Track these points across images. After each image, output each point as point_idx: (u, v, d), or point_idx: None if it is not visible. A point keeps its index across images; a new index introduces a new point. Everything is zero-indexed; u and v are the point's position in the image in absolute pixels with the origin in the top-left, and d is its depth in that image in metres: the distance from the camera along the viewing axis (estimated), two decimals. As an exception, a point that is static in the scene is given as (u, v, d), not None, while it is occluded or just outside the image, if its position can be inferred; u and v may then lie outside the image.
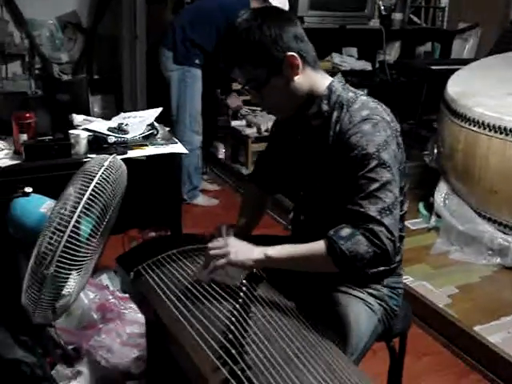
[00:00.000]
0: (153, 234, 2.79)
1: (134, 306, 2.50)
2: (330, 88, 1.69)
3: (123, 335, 2.41)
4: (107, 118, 2.81)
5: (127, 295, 2.53)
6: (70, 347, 2.30)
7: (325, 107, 1.68)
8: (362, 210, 1.52)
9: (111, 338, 2.38)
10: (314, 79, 1.68)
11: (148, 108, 3.27)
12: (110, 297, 2.52)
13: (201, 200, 4.24)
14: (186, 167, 4.06)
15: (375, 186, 1.53)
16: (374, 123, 1.58)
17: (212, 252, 1.60)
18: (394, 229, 1.52)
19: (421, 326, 2.83)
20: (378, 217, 1.50)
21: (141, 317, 2.45)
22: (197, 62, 3.99)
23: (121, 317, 2.47)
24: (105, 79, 5.15)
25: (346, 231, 1.51)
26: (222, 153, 4.93)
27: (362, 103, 1.64)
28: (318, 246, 1.54)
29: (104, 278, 2.72)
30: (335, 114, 1.66)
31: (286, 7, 3.87)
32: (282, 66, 1.62)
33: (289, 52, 1.61)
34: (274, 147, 1.96)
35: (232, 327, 1.42)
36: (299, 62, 1.62)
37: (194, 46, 3.96)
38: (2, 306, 2.04)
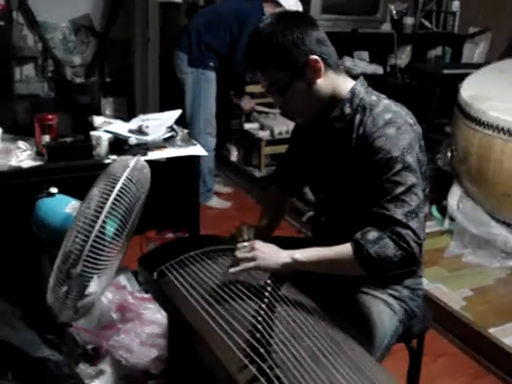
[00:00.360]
0: (171, 235, 2.81)
1: (152, 306, 2.52)
2: (352, 91, 1.70)
3: (142, 335, 2.42)
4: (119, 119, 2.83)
5: (146, 295, 2.56)
6: (90, 347, 2.32)
7: (347, 110, 1.69)
8: (388, 213, 1.54)
9: (130, 338, 2.40)
10: (336, 82, 1.70)
11: (160, 111, 3.30)
12: (129, 297, 2.54)
13: (214, 202, 4.26)
14: (202, 169, 4.08)
15: (401, 189, 1.54)
16: (397, 127, 1.60)
17: (240, 255, 1.63)
18: (419, 232, 1.53)
19: (436, 327, 2.84)
20: (405, 220, 1.52)
21: (159, 317, 2.47)
22: (211, 64, 4.02)
23: (140, 317, 2.48)
24: (117, 82, 5.18)
25: (373, 234, 1.53)
26: (234, 155, 4.95)
27: (385, 106, 1.66)
28: (346, 249, 1.56)
29: (122, 279, 2.73)
30: (358, 116, 1.68)
31: (300, 9, 3.92)
32: (305, 70, 1.64)
33: (311, 55, 1.62)
34: (295, 149, 1.98)
35: (259, 326, 1.44)
36: (321, 65, 1.64)
37: (209, 50, 3.99)
38: (27, 306, 2.06)
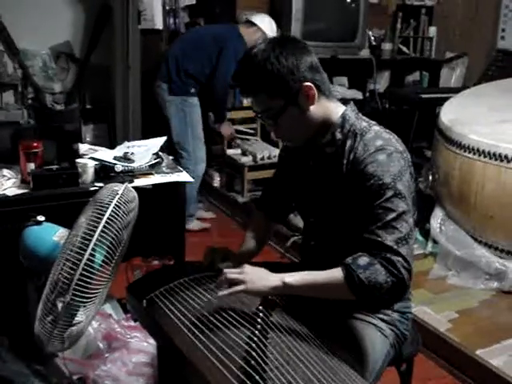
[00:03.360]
0: (156, 262, 2.79)
1: (139, 334, 2.49)
2: (343, 117, 1.71)
3: (129, 364, 2.39)
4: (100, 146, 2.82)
5: (132, 324, 2.53)
6: (76, 377, 2.28)
7: (338, 135, 1.70)
8: (379, 239, 1.55)
9: (117, 368, 2.37)
10: (328, 108, 1.71)
11: (143, 137, 3.29)
12: (116, 326, 2.51)
13: (192, 225, 4.19)
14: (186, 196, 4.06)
15: (392, 215, 1.55)
16: (388, 153, 1.61)
17: (229, 277, 1.60)
18: (409, 258, 1.55)
19: (423, 351, 2.83)
20: (395, 246, 1.53)
21: (146, 345, 2.45)
22: (192, 91, 4.04)
23: (126, 346, 2.45)
24: (97, 109, 5.17)
25: (363, 260, 1.54)
26: (217, 181, 4.95)
27: (376, 133, 1.67)
28: (337, 273, 1.56)
29: (107, 307, 2.70)
30: (349, 142, 1.69)
31: (274, 27, 4.11)
32: (298, 96, 1.65)
33: (305, 82, 1.63)
34: (283, 174, 1.98)
35: (253, 353, 1.43)
36: (315, 91, 1.65)
37: (188, 76, 4.01)
38: (14, 336, 2.03)
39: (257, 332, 1.52)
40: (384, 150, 1.61)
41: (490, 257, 3.33)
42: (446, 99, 4.18)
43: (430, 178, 3.95)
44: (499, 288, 3.27)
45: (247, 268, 1.63)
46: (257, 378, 1.35)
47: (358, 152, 1.65)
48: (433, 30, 5.86)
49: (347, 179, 1.67)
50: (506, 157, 3.19)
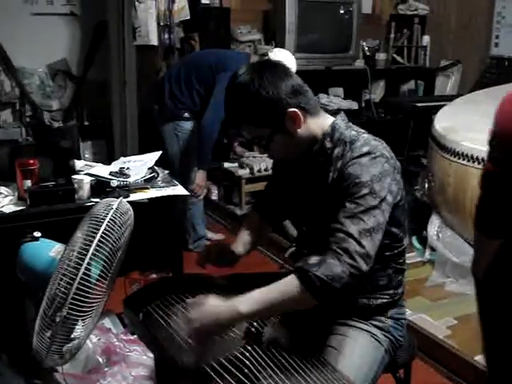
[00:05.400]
0: (154, 275, 2.81)
1: (138, 348, 2.50)
2: (333, 126, 1.73)
3: (129, 378, 2.40)
4: (99, 163, 2.83)
5: (132, 337, 2.54)
6: (76, 392, 2.29)
7: (328, 144, 1.72)
8: (343, 228, 1.55)
9: (117, 382, 2.37)
10: (316, 124, 1.72)
11: (140, 153, 3.30)
12: (115, 339, 2.52)
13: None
14: (189, 218, 4.06)
15: (360, 208, 1.56)
16: (372, 157, 1.62)
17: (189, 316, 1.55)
18: (371, 251, 1.54)
19: (422, 357, 2.85)
20: (357, 235, 1.53)
21: (146, 359, 2.46)
22: (186, 115, 3.92)
23: (126, 359, 2.46)
24: (95, 125, 5.20)
25: (314, 258, 1.53)
26: (215, 194, 4.97)
27: (364, 140, 1.68)
28: (290, 282, 1.52)
29: (107, 322, 2.71)
30: (337, 150, 1.70)
31: (293, 62, 3.60)
32: (285, 123, 1.66)
33: (289, 108, 1.64)
34: (277, 181, 2.00)
35: (246, 362, 1.45)
36: (300, 115, 1.66)
37: (180, 103, 3.92)
38: (12, 351, 2.05)
39: (251, 342, 1.54)
40: (369, 154, 1.63)
41: (487, 263, 3.34)
42: (442, 107, 4.21)
43: (426, 185, 3.97)
44: (497, 293, 3.28)
45: (194, 306, 1.56)
46: (250, 386, 1.37)
47: (345, 159, 1.66)
48: (426, 39, 5.90)
49: (333, 187, 1.68)
50: (499, 163, 3.21)
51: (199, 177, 3.93)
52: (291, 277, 1.52)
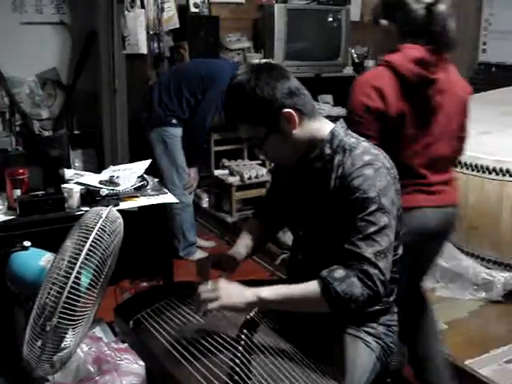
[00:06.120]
0: (145, 284, 2.81)
1: (129, 356, 2.51)
2: (332, 132, 1.74)
3: (120, 387, 2.41)
4: (89, 172, 2.84)
5: (123, 346, 2.55)
6: (67, 401, 2.29)
7: (327, 151, 1.72)
8: (358, 250, 1.57)
9: (108, 390, 2.38)
10: (313, 129, 1.73)
11: (130, 161, 3.31)
12: (106, 348, 2.52)
13: (198, 256, 4.05)
14: (179, 224, 4.05)
15: (373, 229, 1.58)
16: (375, 168, 1.63)
17: (203, 296, 1.60)
18: (387, 272, 1.57)
19: (413, 363, 2.86)
20: (374, 259, 1.55)
21: (137, 367, 2.46)
22: (174, 121, 3.97)
23: (117, 368, 2.47)
24: (85, 134, 5.18)
25: (339, 273, 1.56)
26: (205, 202, 4.97)
27: (364, 148, 1.69)
28: (313, 287, 1.58)
29: (97, 331, 2.71)
30: (337, 157, 1.70)
31: None
32: (280, 123, 1.68)
33: (284, 109, 1.66)
34: (276, 186, 2.02)
35: (237, 369, 1.46)
36: (295, 116, 1.67)
37: (169, 110, 3.97)
38: (2, 360, 2.04)
39: (241, 348, 1.54)
40: (371, 164, 1.63)
41: (476, 267, 3.37)
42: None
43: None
44: (487, 298, 3.31)
45: (221, 284, 1.62)
46: (241, 393, 1.37)
47: (346, 167, 1.67)
48: (415, 46, 5.91)
49: (334, 194, 1.69)
50: (487, 168, 3.25)
51: (193, 171, 4.09)
52: (314, 282, 1.58)
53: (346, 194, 1.64)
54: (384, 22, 2.17)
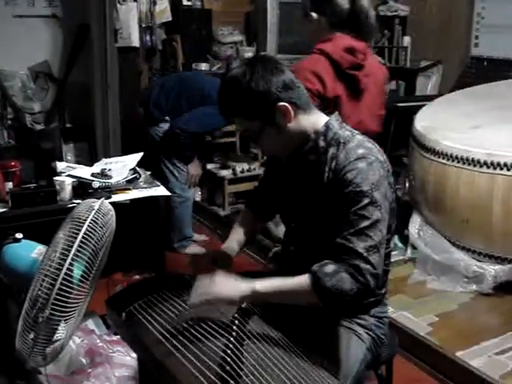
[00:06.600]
0: (137, 276, 2.81)
1: (122, 348, 2.52)
2: (327, 125, 1.74)
3: (112, 379, 2.41)
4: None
5: (115, 338, 2.55)
6: (60, 393, 2.29)
7: (321, 143, 1.73)
8: (350, 245, 1.58)
9: (100, 382, 2.39)
10: (308, 122, 1.73)
11: (123, 154, 3.31)
12: (98, 341, 2.53)
13: (191, 250, 4.13)
14: (176, 217, 4.05)
15: (366, 223, 1.59)
16: (369, 162, 1.63)
17: (199, 290, 1.63)
18: (378, 266, 1.58)
19: (404, 355, 2.88)
20: (365, 254, 1.57)
21: (129, 359, 2.47)
22: (166, 118, 3.96)
23: (109, 360, 2.47)
24: (77, 127, 5.18)
25: (330, 267, 1.57)
26: (198, 195, 4.97)
27: (358, 141, 1.69)
28: (304, 281, 1.59)
29: (90, 323, 2.72)
30: (331, 150, 1.71)
31: None
32: (275, 117, 1.67)
33: (279, 102, 1.66)
34: (269, 177, 2.02)
35: (228, 359, 1.46)
36: (291, 110, 1.67)
37: (161, 112, 3.96)
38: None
39: (232, 339, 1.55)
40: (365, 158, 1.64)
41: (467, 260, 3.39)
42: (423, 107, 4.25)
43: (407, 184, 4.01)
44: (478, 290, 3.32)
45: (216, 277, 1.64)
46: (232, 382, 1.38)
47: (340, 160, 1.67)
48: (407, 40, 5.94)
49: (328, 187, 1.70)
50: (478, 161, 3.26)
51: (191, 168, 4.06)
52: (306, 276, 1.60)
53: (339, 187, 1.65)
54: (314, 14, 2.46)
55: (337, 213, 1.65)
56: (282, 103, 1.66)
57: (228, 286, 1.63)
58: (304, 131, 1.73)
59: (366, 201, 1.60)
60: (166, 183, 3.71)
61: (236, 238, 2.01)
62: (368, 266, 1.56)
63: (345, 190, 1.63)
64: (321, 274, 1.56)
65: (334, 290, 1.54)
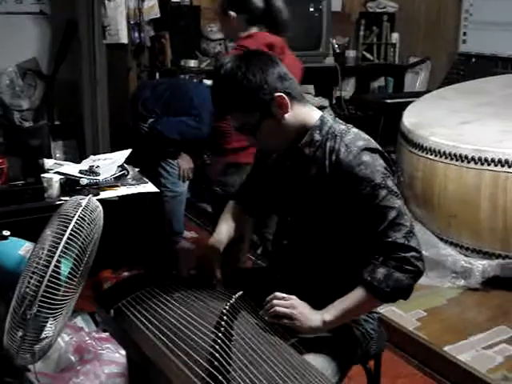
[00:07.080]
0: (126, 273, 2.81)
1: (111, 346, 2.51)
2: (321, 119, 1.75)
3: (101, 376, 2.41)
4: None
5: (104, 335, 2.55)
6: (49, 391, 2.29)
7: (317, 137, 1.74)
8: (390, 240, 1.61)
9: (89, 380, 2.38)
10: (303, 113, 1.75)
11: (112, 151, 3.30)
12: (87, 338, 2.53)
13: (181, 246, 4.09)
14: (166, 212, 4.02)
15: (393, 213, 1.62)
16: (371, 153, 1.66)
17: (278, 309, 1.67)
18: (419, 247, 1.64)
19: (393, 350, 2.89)
20: (406, 242, 1.61)
21: (118, 356, 2.47)
22: (154, 115, 3.88)
23: (98, 357, 2.47)
24: (66, 125, 5.14)
25: (380, 272, 1.62)
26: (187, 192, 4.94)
27: (355, 134, 1.72)
28: (363, 293, 1.65)
29: (79, 321, 2.72)
30: (329, 143, 1.72)
31: None
32: (272, 108, 1.68)
33: (276, 93, 1.67)
34: (259, 173, 2.02)
35: (216, 354, 1.47)
36: (287, 100, 1.69)
37: (147, 111, 3.88)
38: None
39: (221, 334, 1.55)
40: (366, 149, 1.66)
41: (455, 255, 3.40)
42: (411, 103, 4.27)
43: (395, 180, 4.01)
44: (466, 285, 3.34)
45: (296, 302, 1.69)
46: (220, 378, 1.39)
47: (341, 153, 1.67)
48: (395, 36, 5.95)
49: (331, 180, 1.70)
50: (466, 157, 3.28)
51: (181, 162, 3.98)
52: (361, 289, 1.65)
53: (349, 184, 1.65)
54: (232, 13, 2.65)
55: (345, 207, 1.68)
56: (279, 94, 1.68)
57: (305, 318, 1.67)
58: (300, 123, 1.74)
59: (384, 192, 1.62)
60: (158, 178, 3.73)
61: (224, 230, 2.01)
62: (413, 253, 1.61)
63: (359, 187, 1.64)
64: (375, 281, 1.62)
65: (395, 292, 1.62)
